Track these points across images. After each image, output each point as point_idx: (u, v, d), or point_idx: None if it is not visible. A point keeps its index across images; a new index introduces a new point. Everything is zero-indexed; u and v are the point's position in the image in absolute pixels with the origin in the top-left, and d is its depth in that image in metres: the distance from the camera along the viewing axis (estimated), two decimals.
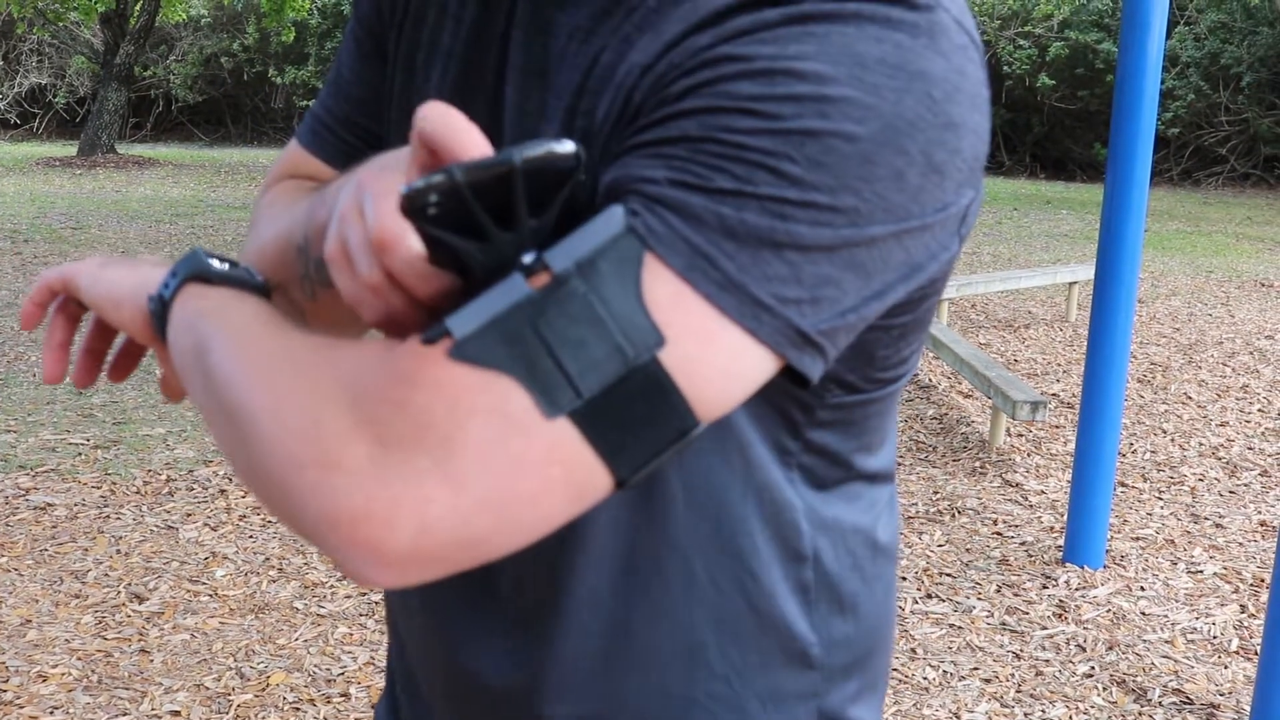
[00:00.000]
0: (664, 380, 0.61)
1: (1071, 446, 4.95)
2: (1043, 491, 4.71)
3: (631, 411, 0.61)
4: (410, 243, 0.64)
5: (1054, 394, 6.18)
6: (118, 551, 3.84)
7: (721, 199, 0.63)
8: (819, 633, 0.85)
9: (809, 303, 0.64)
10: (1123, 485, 4.80)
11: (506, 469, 0.60)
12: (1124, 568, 3.98)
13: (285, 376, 0.66)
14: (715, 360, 0.63)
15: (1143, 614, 3.64)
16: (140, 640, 3.26)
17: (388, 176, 0.68)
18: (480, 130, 0.75)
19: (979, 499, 4.61)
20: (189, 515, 4.17)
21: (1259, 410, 5.99)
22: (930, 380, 6.38)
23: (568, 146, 0.62)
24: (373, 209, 0.66)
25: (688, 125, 0.65)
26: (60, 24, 18.59)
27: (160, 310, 0.78)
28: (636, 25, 0.73)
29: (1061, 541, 4.12)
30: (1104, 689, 3.18)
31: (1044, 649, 3.39)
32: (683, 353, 0.62)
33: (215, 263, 0.79)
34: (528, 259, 0.62)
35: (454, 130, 0.64)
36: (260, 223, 0.95)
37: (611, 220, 0.63)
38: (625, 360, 0.61)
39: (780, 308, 0.63)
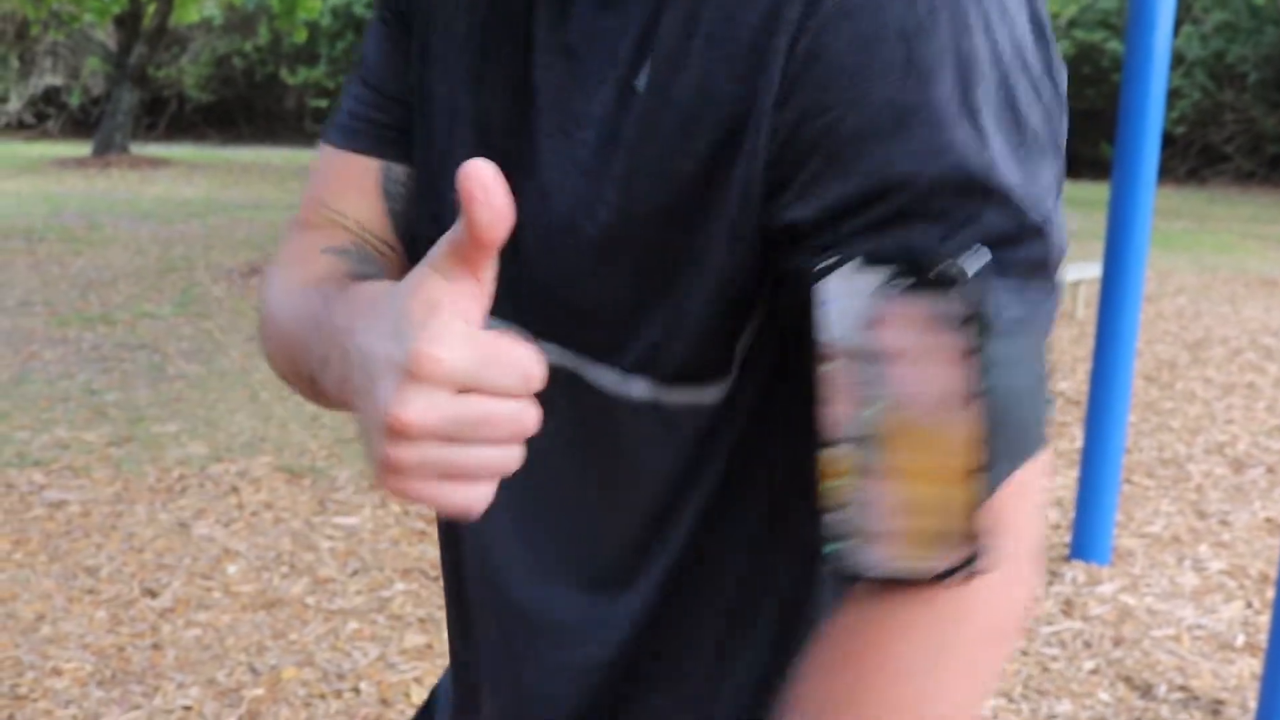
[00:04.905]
0: None
1: (1078, 444, 4.95)
2: (1049, 488, 4.73)
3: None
4: None
5: (1060, 392, 6.18)
6: (131, 548, 3.87)
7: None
8: None
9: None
10: (1129, 482, 4.81)
11: None
12: (1130, 564, 3.99)
13: None
14: None
15: (1149, 610, 3.65)
16: (153, 636, 3.29)
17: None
18: (503, 107, 0.77)
19: None
20: (201, 512, 4.20)
21: (1265, 407, 5.99)
22: None
23: None
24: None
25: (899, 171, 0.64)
26: (74, 26, 18.65)
27: None
28: None
29: (1068, 538, 4.13)
30: (1110, 685, 3.19)
31: (1050, 645, 3.40)
32: None
33: None
34: None
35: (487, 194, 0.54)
36: (278, 290, 0.84)
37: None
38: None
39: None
